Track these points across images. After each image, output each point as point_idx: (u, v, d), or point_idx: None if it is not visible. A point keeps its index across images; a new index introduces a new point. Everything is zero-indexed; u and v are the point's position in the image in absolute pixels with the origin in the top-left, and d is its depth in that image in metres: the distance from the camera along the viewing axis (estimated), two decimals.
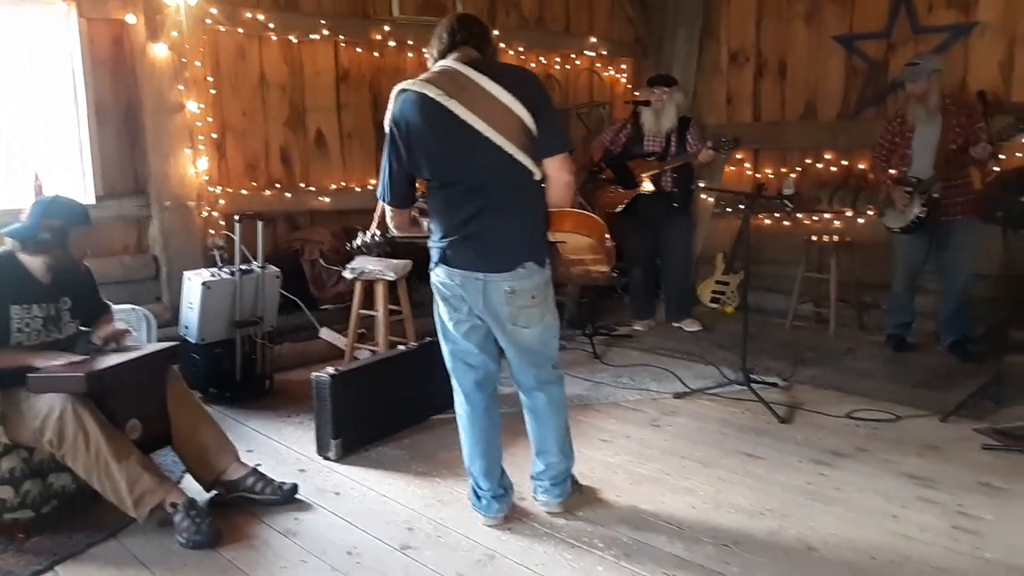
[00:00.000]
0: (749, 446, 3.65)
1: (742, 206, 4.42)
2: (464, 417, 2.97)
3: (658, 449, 3.66)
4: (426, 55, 2.83)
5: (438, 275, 2.81)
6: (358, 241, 3.28)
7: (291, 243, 5.28)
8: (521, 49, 6.34)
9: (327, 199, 5.44)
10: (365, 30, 5.50)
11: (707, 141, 5.24)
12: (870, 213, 5.61)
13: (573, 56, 6.76)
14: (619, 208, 5.55)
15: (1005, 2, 5.42)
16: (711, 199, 6.47)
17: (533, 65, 6.51)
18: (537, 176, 2.66)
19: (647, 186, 5.37)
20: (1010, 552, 2.69)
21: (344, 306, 4.90)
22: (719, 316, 6.05)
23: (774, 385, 4.40)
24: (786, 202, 4.28)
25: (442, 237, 2.75)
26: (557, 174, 2.68)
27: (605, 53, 6.89)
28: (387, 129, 2.71)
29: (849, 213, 5.94)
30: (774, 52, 6.59)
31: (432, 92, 2.59)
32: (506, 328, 2.78)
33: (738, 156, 6.67)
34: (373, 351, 4.56)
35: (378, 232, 3.13)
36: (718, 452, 3.60)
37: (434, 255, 2.80)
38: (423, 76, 2.68)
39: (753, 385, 4.22)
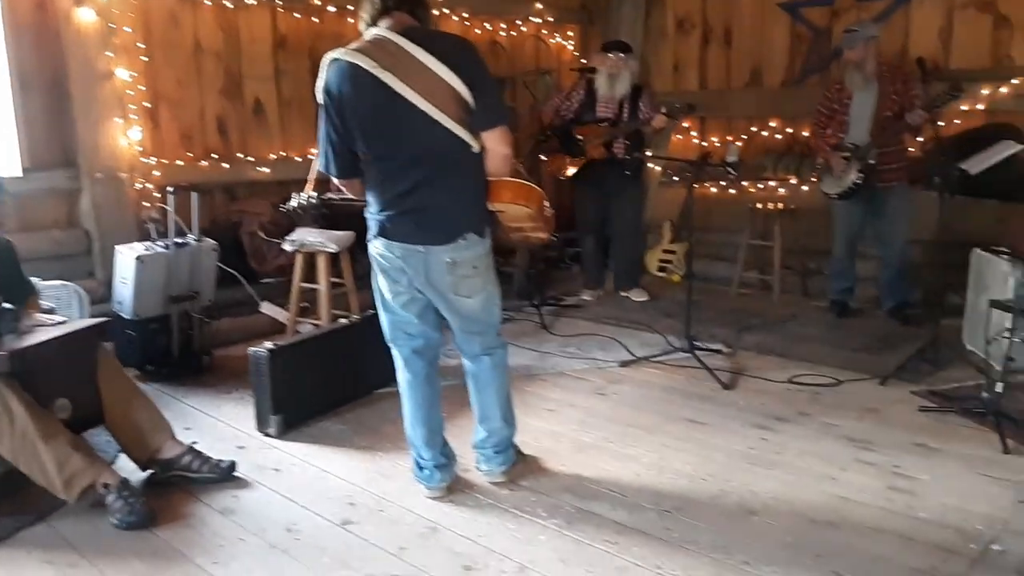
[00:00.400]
0: (693, 412, 3.68)
1: (688, 174, 4.42)
2: (405, 385, 2.94)
3: (603, 417, 3.66)
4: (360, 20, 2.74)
5: (377, 247, 2.76)
6: (292, 203, 3.20)
7: (230, 215, 5.14)
8: (465, 15, 6.23)
9: (266, 169, 5.30)
10: None
11: (660, 107, 5.23)
12: (814, 180, 5.65)
13: (519, 23, 6.66)
14: (569, 173, 5.53)
15: None
16: (657, 168, 6.46)
17: (478, 31, 6.41)
18: (475, 148, 2.62)
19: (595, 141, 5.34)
20: (942, 511, 2.75)
21: (286, 279, 4.79)
22: (666, 284, 6.08)
23: (718, 352, 4.43)
24: (729, 170, 4.28)
25: (380, 210, 2.70)
26: (495, 147, 2.65)
27: (551, 20, 6.81)
28: (319, 99, 2.63)
29: (794, 180, 5.99)
30: (720, 19, 6.58)
31: (365, 63, 2.52)
32: (448, 298, 2.76)
33: (684, 124, 6.68)
34: (316, 325, 4.48)
35: (313, 194, 3.05)
36: (662, 419, 3.61)
37: (372, 227, 2.75)
38: (354, 45, 2.60)
39: (697, 352, 4.24)
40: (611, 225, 5.70)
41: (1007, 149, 4.18)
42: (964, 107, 5.25)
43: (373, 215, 2.73)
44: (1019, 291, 3.80)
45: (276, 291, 4.94)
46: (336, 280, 4.57)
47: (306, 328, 4.53)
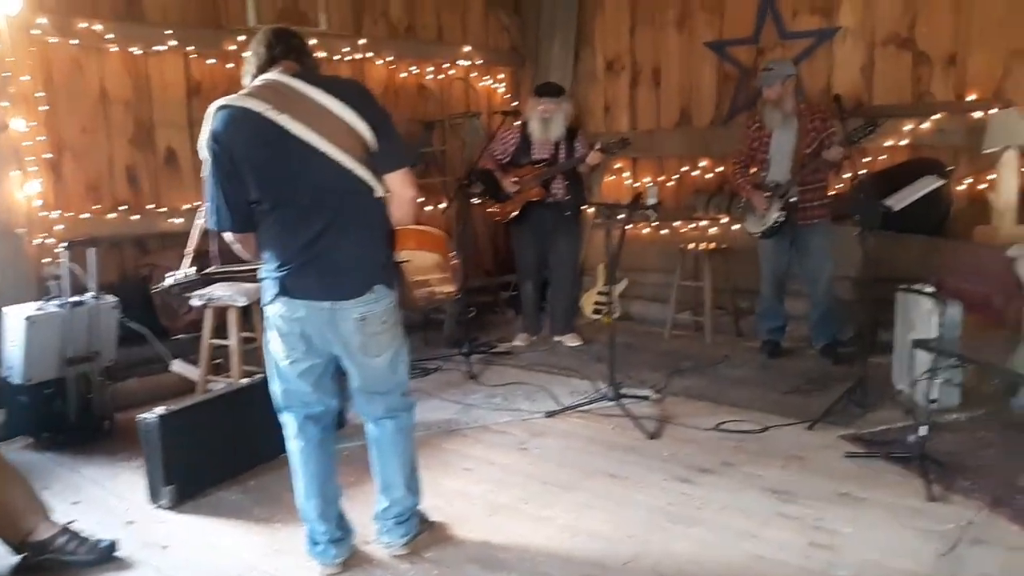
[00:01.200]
0: (614, 465, 3.52)
1: (619, 216, 4.31)
2: (297, 453, 2.74)
3: (521, 474, 3.49)
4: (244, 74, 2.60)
5: (276, 310, 2.56)
6: (168, 282, 3.00)
7: (139, 269, 4.92)
8: (391, 59, 6.13)
9: (179, 220, 5.06)
10: (218, 41, 5.18)
11: (595, 144, 5.17)
12: (736, 219, 5.60)
13: (447, 66, 6.57)
14: (511, 216, 5.42)
15: (864, 7, 5.51)
16: (591, 210, 6.38)
17: (403, 75, 6.30)
18: (379, 193, 2.50)
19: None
20: (862, 567, 2.61)
21: (198, 335, 4.57)
22: (600, 328, 5.95)
23: (645, 398, 4.29)
24: (649, 211, 4.19)
25: (280, 265, 2.51)
26: (401, 190, 2.53)
27: (480, 62, 6.73)
28: (203, 153, 2.46)
29: (724, 220, 5.94)
30: (648, 60, 6.58)
31: (257, 106, 2.38)
32: (356, 359, 2.60)
33: (616, 165, 6.63)
34: (230, 382, 4.27)
35: (191, 270, 2.87)
36: (582, 474, 3.44)
37: (270, 287, 2.55)
38: (244, 91, 2.47)
39: (624, 400, 4.10)
40: (549, 267, 5.59)
41: (929, 184, 4.15)
42: (888, 143, 5.27)
43: (271, 273, 2.54)
44: (942, 330, 3.74)
45: (189, 348, 4.71)
46: (247, 335, 4.37)
47: (218, 386, 4.30)
